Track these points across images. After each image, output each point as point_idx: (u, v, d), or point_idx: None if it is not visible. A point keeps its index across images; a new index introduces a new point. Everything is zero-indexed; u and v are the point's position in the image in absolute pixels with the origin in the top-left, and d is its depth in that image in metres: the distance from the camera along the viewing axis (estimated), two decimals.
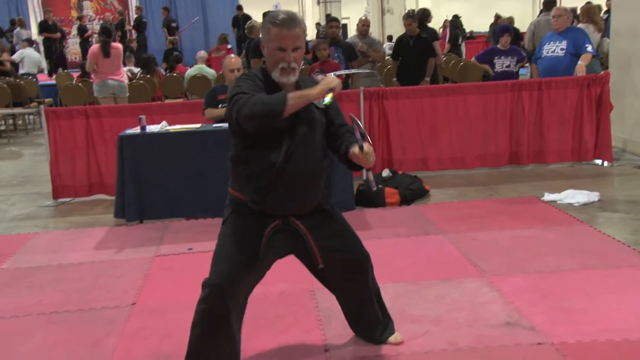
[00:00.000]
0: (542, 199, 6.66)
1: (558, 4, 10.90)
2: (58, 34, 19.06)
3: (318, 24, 25.07)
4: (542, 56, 8.48)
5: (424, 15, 11.39)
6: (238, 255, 3.23)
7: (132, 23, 20.17)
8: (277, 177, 3.16)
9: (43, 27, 19.03)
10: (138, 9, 20.93)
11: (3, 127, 13.37)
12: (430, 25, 11.78)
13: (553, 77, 7.97)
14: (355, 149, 3.12)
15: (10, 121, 14.11)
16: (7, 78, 14.28)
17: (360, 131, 3.16)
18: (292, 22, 3.13)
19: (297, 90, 3.19)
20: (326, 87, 3.10)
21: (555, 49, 8.29)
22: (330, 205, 3.48)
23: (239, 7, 19.71)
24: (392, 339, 3.77)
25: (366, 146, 3.11)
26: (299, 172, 3.19)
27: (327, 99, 3.12)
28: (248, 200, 3.25)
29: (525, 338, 3.79)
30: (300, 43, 3.18)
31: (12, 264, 5.62)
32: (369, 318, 3.75)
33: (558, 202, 6.52)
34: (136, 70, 14.46)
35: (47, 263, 5.58)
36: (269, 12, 9.76)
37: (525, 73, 12.30)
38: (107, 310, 4.53)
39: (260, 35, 3.31)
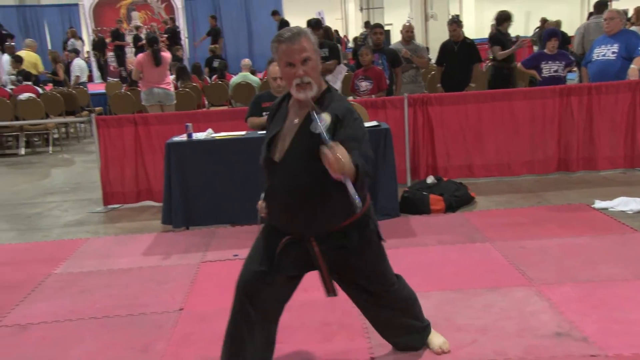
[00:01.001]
0: (592, 206, 6.50)
1: (609, 7, 10.63)
2: (128, 42, 19.53)
3: (336, 31, 24.73)
4: (593, 60, 8.28)
5: (502, 18, 10.70)
6: (259, 261, 3.29)
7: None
8: (269, 198, 3.25)
9: (115, 36, 19.46)
10: (171, 19, 21.14)
11: (56, 135, 13.60)
12: (474, 31, 11.48)
13: (604, 82, 7.78)
14: (322, 148, 2.76)
15: (63, 129, 14.35)
16: (61, 88, 14.56)
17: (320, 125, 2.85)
18: (296, 36, 3.05)
19: (316, 104, 3.04)
20: None
21: (606, 52, 8.09)
22: (359, 231, 3.26)
23: (274, 13, 19.56)
24: (437, 347, 3.72)
25: (332, 145, 2.76)
26: (284, 195, 3.15)
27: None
28: None
29: (577, 349, 3.68)
30: (309, 54, 3.06)
31: (65, 269, 5.71)
32: (392, 329, 3.71)
33: (610, 209, 6.36)
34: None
35: (97, 268, 5.66)
36: (311, 19, 9.88)
37: (573, 78, 12.07)
38: (156, 315, 4.57)
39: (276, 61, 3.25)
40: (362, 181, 2.91)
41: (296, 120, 3.16)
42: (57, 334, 4.41)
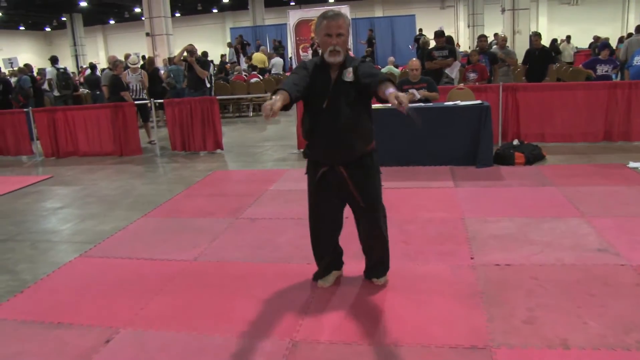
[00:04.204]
0: (627, 165, 5.98)
1: None
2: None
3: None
4: (633, 64, 7.73)
5: None
6: (311, 190, 3.17)
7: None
8: (315, 136, 2.94)
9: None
10: None
11: None
12: (545, 43, 10.69)
13: None
14: (391, 97, 2.48)
15: None
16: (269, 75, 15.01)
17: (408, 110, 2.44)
18: (336, 15, 2.83)
19: (342, 68, 2.87)
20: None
21: None
22: (371, 158, 2.99)
23: (420, 30, 19.79)
24: (377, 281, 3.31)
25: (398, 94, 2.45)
26: (330, 133, 2.87)
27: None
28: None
29: (611, 260, 3.49)
30: (343, 31, 2.83)
31: (275, 187, 5.92)
32: (371, 254, 3.28)
33: (639, 168, 5.84)
34: None
35: (294, 188, 5.78)
36: (437, 30, 9.48)
37: (615, 77, 11.10)
38: None
39: (315, 32, 3.00)
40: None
41: (333, 76, 2.90)
42: (271, 225, 4.62)
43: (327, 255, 3.32)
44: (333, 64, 2.88)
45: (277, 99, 2.57)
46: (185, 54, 9.31)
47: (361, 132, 2.93)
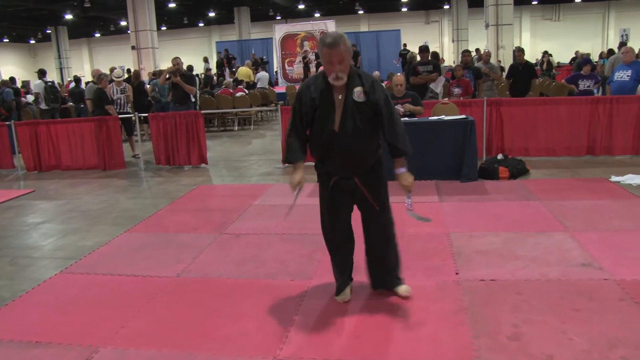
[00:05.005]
0: (609, 179, 6.04)
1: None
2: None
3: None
4: (614, 80, 7.84)
5: None
6: (324, 198, 3.20)
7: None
8: (327, 155, 3.02)
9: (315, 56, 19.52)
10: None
11: (255, 119, 14.02)
12: (528, 57, 10.83)
13: (621, 95, 7.30)
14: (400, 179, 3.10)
15: (260, 115, 14.78)
16: (254, 89, 15.00)
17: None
18: (335, 43, 2.81)
19: (348, 85, 2.90)
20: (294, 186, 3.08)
21: (623, 75, 7.63)
22: (380, 163, 3.14)
23: (405, 45, 20.11)
24: (402, 291, 3.29)
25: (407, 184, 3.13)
26: (343, 152, 2.94)
27: None
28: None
29: (595, 275, 3.50)
30: (343, 56, 2.82)
31: (260, 202, 5.88)
32: (384, 261, 3.28)
33: (621, 182, 5.91)
34: None
35: (279, 203, 5.76)
36: (421, 45, 9.54)
37: (596, 92, 11.32)
38: (315, 236, 4.52)
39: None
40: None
41: (340, 97, 2.92)
42: (256, 241, 4.58)
43: (348, 269, 3.33)
44: (337, 86, 2.92)
45: (298, 176, 3.07)
46: (168, 75, 9.20)
47: (373, 146, 3.06)
